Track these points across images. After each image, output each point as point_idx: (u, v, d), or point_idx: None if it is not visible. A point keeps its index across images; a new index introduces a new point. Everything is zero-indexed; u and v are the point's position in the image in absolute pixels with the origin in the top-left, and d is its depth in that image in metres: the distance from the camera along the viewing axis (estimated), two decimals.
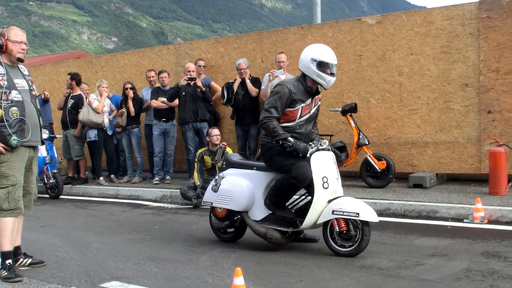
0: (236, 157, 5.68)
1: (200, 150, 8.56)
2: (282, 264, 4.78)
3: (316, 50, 5.03)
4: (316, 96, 5.22)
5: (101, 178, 10.29)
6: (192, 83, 9.19)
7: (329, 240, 4.99)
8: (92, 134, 10.19)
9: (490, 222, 6.17)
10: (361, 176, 8.27)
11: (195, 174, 8.31)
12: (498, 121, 7.87)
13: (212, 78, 10.29)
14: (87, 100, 10.25)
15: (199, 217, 7.24)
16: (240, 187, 5.33)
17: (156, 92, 9.98)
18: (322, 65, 4.96)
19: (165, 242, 5.80)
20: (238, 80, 9.22)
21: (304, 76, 5.11)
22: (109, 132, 10.40)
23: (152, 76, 10.43)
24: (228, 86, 9.22)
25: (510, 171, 7.45)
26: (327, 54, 5.01)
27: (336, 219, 4.90)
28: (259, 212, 5.28)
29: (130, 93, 10.10)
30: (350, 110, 8.27)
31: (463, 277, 4.25)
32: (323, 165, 4.99)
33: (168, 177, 9.99)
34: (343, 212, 4.84)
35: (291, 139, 4.96)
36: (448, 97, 8.24)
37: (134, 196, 9.31)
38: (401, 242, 5.38)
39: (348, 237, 4.90)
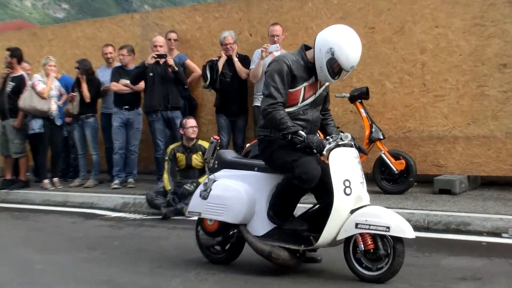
0: (231, 155, 5.55)
1: (171, 146, 8.52)
2: None
3: (341, 43, 4.83)
4: None
5: (46, 181, 10.20)
6: (161, 61, 9.12)
7: (352, 261, 4.84)
8: (36, 125, 10.09)
9: None
10: (374, 179, 8.23)
11: (165, 176, 8.27)
12: None
13: (188, 55, 10.23)
14: (30, 82, 10.13)
15: (169, 231, 7.18)
16: (237, 193, 5.19)
17: (118, 73, 9.90)
18: (334, 63, 4.86)
19: (126, 262, 5.73)
20: (224, 58, 9.17)
21: (305, 49, 5.07)
22: (58, 122, 10.30)
23: (110, 53, 10.34)
24: (212, 65, 9.13)
25: None
26: (349, 58, 4.85)
27: (361, 234, 4.74)
28: (261, 225, 5.14)
29: (82, 77, 9.98)
30: (360, 96, 8.23)
31: None
32: (344, 165, 4.84)
33: (131, 179, 9.93)
34: (370, 225, 4.67)
35: (302, 132, 4.84)
36: (482, 81, 8.24)
37: (88, 204, 9.24)
38: (424, 262, 5.36)
39: (376, 257, 4.74)
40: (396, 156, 8.02)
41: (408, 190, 8.12)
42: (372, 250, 4.72)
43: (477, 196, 7.80)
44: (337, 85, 9.01)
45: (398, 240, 4.66)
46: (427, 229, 6.68)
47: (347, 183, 4.78)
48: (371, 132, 8.05)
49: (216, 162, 5.50)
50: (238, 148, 9.03)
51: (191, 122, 8.35)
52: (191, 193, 7.91)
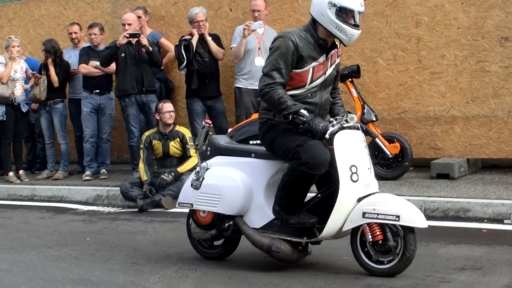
0: (224, 140, 5.50)
1: (146, 133, 8.53)
2: (260, 285, 4.78)
3: None
4: (333, 51, 5.06)
5: (11, 173, 10.16)
6: (134, 40, 9.09)
7: (360, 254, 4.80)
8: None
9: None
10: None
11: (141, 165, 8.29)
12: None
13: (162, 33, 10.18)
14: None
15: (146, 224, 7.20)
16: (233, 182, 5.15)
17: (86, 54, 9.86)
18: (343, 12, 4.77)
19: (99, 259, 5.75)
20: (196, 36, 9.12)
21: (314, 24, 4.94)
22: (23, 109, 10.25)
23: (75, 32, 10.26)
24: (188, 44, 9.06)
25: None
26: None
27: (369, 224, 4.71)
28: (260, 216, 5.11)
29: (49, 61, 9.92)
30: (351, 74, 8.28)
31: None
32: (351, 149, 4.81)
33: (103, 170, 9.93)
34: (378, 214, 4.64)
35: (304, 112, 4.77)
36: (482, 56, 8.29)
37: (57, 198, 9.24)
38: (420, 252, 5.30)
39: (385, 249, 4.70)
40: (390, 139, 8.06)
41: (404, 175, 8.19)
42: (380, 241, 4.69)
43: (477, 181, 7.89)
44: None
45: (409, 229, 4.62)
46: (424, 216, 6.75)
47: (353, 169, 4.75)
48: (363, 113, 8.09)
49: (209, 148, 5.44)
50: (223, 133, 8.99)
51: (167, 106, 8.35)
52: (168, 184, 8.02)
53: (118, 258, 5.77)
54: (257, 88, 8.65)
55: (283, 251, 4.92)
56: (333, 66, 5.10)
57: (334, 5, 4.74)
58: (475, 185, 7.59)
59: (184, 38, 9.19)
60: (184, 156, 8.36)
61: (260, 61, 8.85)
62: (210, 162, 5.36)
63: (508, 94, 8.17)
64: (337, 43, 5.04)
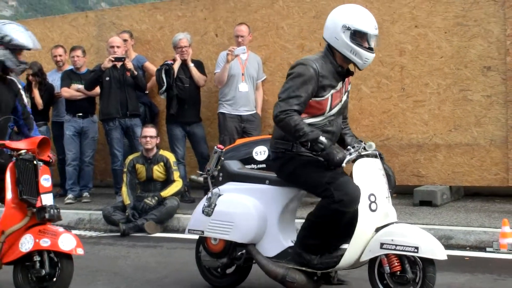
0: (236, 166, 5.39)
1: (130, 157, 8.52)
2: None
3: (349, 14, 4.78)
4: (346, 78, 5.00)
5: None
6: (119, 64, 9.09)
7: (378, 285, 4.70)
8: None
9: None
10: None
11: (124, 189, 8.27)
12: None
13: (148, 57, 10.21)
14: None
15: (128, 249, 7.17)
16: (246, 209, 5.04)
17: (68, 77, 9.84)
18: (358, 36, 4.71)
19: (80, 284, 5.67)
20: (179, 61, 9.13)
21: (331, 50, 4.85)
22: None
23: (60, 55, 10.23)
24: (169, 69, 9.08)
25: None
26: (366, 20, 4.75)
27: (387, 255, 4.61)
28: (273, 244, 5.02)
29: (34, 80, 9.90)
30: None
31: None
32: (369, 177, 4.73)
33: (86, 193, 9.88)
34: (396, 245, 4.52)
35: (323, 139, 4.62)
36: (465, 85, 8.36)
37: None
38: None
39: (403, 281, 4.59)
40: None
41: None
42: (398, 273, 4.59)
43: (460, 208, 7.94)
44: None
45: (428, 261, 4.53)
46: None
47: (372, 198, 4.65)
48: None
49: (221, 174, 5.32)
50: (204, 158, 8.98)
51: (146, 131, 8.33)
52: (152, 208, 7.99)
53: (99, 283, 5.75)
54: (240, 114, 8.87)
55: (298, 282, 4.82)
56: (347, 93, 5.06)
57: (349, 28, 4.68)
58: (457, 212, 7.63)
59: (166, 62, 9.22)
60: (167, 181, 8.33)
61: (244, 87, 8.89)
62: (223, 188, 5.24)
63: (490, 122, 8.24)
64: (351, 69, 4.99)
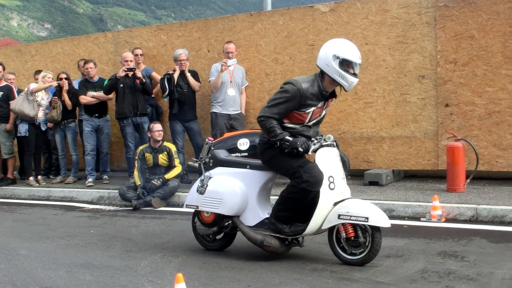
0: (223, 154, 5.38)
1: (140, 147, 8.48)
2: (229, 269, 4.77)
3: (339, 46, 4.73)
4: (330, 98, 4.94)
5: (31, 178, 10.02)
6: (130, 74, 9.06)
7: (336, 248, 4.80)
8: (23, 129, 9.93)
9: (448, 220, 6.33)
10: None
11: (136, 173, 8.23)
12: (455, 114, 8.07)
13: (154, 68, 10.17)
14: (26, 89, 9.95)
15: (139, 220, 7.15)
16: (232, 188, 5.08)
17: (84, 86, 9.78)
18: (345, 64, 4.68)
19: (101, 248, 5.70)
20: (178, 71, 9.09)
21: (322, 75, 4.80)
22: (43, 128, 10.14)
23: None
24: (170, 78, 9.06)
25: (469, 167, 7.65)
26: (352, 52, 4.72)
27: (343, 224, 4.70)
28: (253, 216, 5.06)
29: (65, 84, 9.85)
30: None
31: (418, 278, 4.34)
32: (328, 163, 4.77)
33: (105, 176, 9.85)
34: (350, 216, 4.63)
35: (288, 137, 4.70)
36: (404, 90, 8.39)
37: (68, 198, 9.12)
38: None
39: (356, 244, 4.71)
40: None
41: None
42: (352, 238, 4.69)
43: (401, 187, 7.96)
44: None
45: (376, 229, 4.64)
46: None
47: (331, 179, 4.72)
48: None
49: (211, 160, 5.35)
50: (199, 148, 8.96)
51: (157, 126, 8.33)
52: (157, 188, 7.95)
53: (116, 247, 5.72)
54: (229, 113, 8.86)
55: (273, 246, 4.87)
56: (327, 108, 5.00)
57: (338, 57, 4.65)
58: (398, 190, 7.66)
59: (168, 72, 9.19)
60: (170, 166, 8.31)
61: (231, 92, 8.88)
62: (213, 172, 5.28)
63: (424, 119, 8.28)
64: (336, 93, 4.93)
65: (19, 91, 10.25)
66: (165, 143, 8.41)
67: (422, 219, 6.42)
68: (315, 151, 4.76)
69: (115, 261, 5.14)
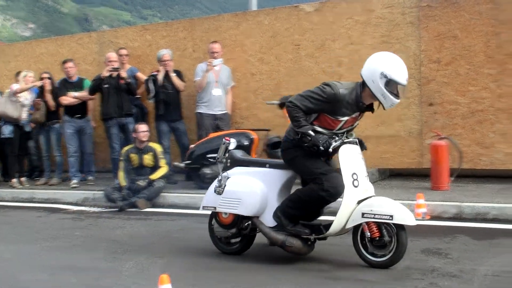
0: (240, 154, 5.25)
1: (125, 148, 8.48)
2: (216, 270, 4.79)
3: (389, 64, 4.53)
4: (367, 111, 4.79)
5: (14, 180, 9.94)
6: (114, 74, 9.03)
7: (360, 248, 4.65)
8: (7, 131, 9.83)
9: (432, 218, 6.38)
10: None
11: (121, 174, 8.22)
12: (439, 113, 8.14)
13: (139, 68, 10.14)
14: (8, 91, 9.88)
15: (124, 221, 7.13)
16: (251, 188, 4.92)
17: (64, 87, 9.72)
18: (391, 84, 4.49)
19: (85, 250, 5.69)
20: (163, 72, 9.09)
21: (362, 86, 4.62)
22: (27, 129, 10.08)
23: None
24: (154, 79, 9.07)
25: (453, 165, 7.72)
26: (401, 73, 4.52)
27: (367, 223, 4.57)
28: (271, 217, 4.89)
29: (47, 84, 9.77)
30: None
31: (402, 276, 4.38)
32: (352, 160, 4.66)
33: (90, 177, 9.81)
34: (374, 214, 4.49)
35: (311, 132, 4.52)
36: None
37: (52, 200, 9.06)
38: (340, 241, 5.40)
39: (381, 244, 4.56)
40: None
41: None
42: (377, 238, 4.55)
43: (386, 186, 8.03)
44: (268, 93, 9.14)
45: (401, 227, 4.50)
46: None
47: (355, 176, 4.60)
48: None
49: (229, 160, 5.19)
50: (185, 148, 8.96)
51: (142, 127, 8.33)
52: (143, 188, 7.95)
53: (100, 248, 5.70)
54: (214, 113, 8.87)
55: (295, 246, 4.74)
56: (361, 118, 4.87)
57: (386, 76, 4.47)
58: (384, 188, 7.71)
59: (152, 74, 9.19)
60: (155, 167, 8.29)
61: (217, 92, 8.90)
62: (230, 172, 5.13)
63: (408, 119, 8.35)
64: (374, 107, 4.78)
65: (0, 93, 10.18)
66: (151, 144, 8.41)
67: None
68: (335, 148, 4.62)
69: (100, 263, 5.13)
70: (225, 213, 5.08)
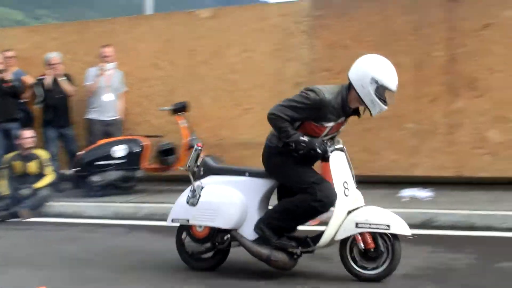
0: (213, 161, 4.91)
1: (9, 155, 8.07)
2: (100, 282, 4.63)
3: (380, 70, 4.31)
4: (352, 115, 4.57)
5: None
6: None
7: (349, 261, 4.44)
8: None
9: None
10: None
11: (2, 182, 7.81)
12: None
13: (27, 71, 9.69)
14: None
15: (4, 232, 6.77)
16: (229, 199, 4.60)
17: None
18: (381, 90, 4.29)
19: None
20: (51, 76, 8.76)
21: (348, 89, 4.41)
22: None
23: None
24: (41, 84, 8.73)
25: None
26: (392, 79, 4.33)
27: (361, 233, 4.35)
28: (253, 229, 4.59)
29: None
30: (180, 109, 8.26)
31: (287, 280, 4.45)
32: (342, 167, 4.46)
33: None
34: (370, 224, 4.28)
35: (304, 138, 4.28)
36: (281, 96, 8.10)
37: None
38: None
39: (375, 255, 4.37)
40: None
41: None
42: (372, 249, 4.35)
43: None
44: (161, 100, 8.99)
45: (396, 237, 4.34)
46: None
47: (345, 185, 4.42)
48: (191, 139, 8.09)
49: (202, 168, 4.83)
50: (74, 155, 8.66)
51: (27, 133, 7.98)
52: (26, 197, 7.60)
53: None
54: (105, 119, 8.65)
55: (281, 260, 4.47)
56: (345, 124, 4.64)
57: (377, 82, 4.25)
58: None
59: (39, 78, 8.85)
60: (41, 174, 7.93)
61: (108, 97, 8.70)
62: (204, 181, 4.76)
63: None
64: (360, 112, 4.57)
65: None
66: (36, 151, 8.05)
67: None
68: (331, 152, 4.42)
69: None
70: (200, 226, 4.73)
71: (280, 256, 4.46)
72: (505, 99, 7.76)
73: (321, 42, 8.39)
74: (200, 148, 4.91)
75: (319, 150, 4.28)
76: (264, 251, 4.48)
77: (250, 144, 8.68)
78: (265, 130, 8.36)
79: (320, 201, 4.30)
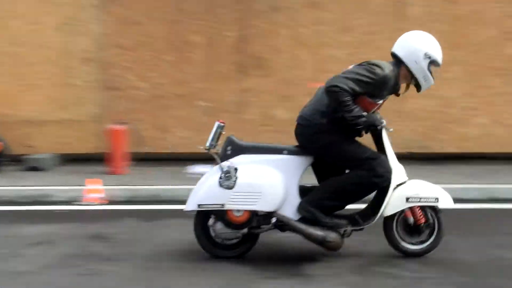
0: (238, 139, 4.45)
1: None
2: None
3: (431, 44, 4.35)
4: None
5: None
6: None
7: (397, 237, 4.41)
8: None
9: (110, 203, 6.44)
10: None
11: None
12: (122, 98, 8.30)
13: None
14: None
15: None
16: (271, 179, 4.27)
17: None
18: (433, 65, 4.35)
19: None
20: None
21: (398, 67, 4.35)
22: None
23: None
24: None
25: (135, 150, 7.89)
26: (440, 53, 4.37)
27: (411, 208, 4.35)
28: (294, 210, 4.32)
29: None
30: None
31: (58, 263, 4.35)
32: (390, 143, 4.42)
33: None
34: (420, 198, 4.30)
35: (365, 113, 4.19)
36: (70, 72, 8.32)
37: None
38: (3, 232, 5.20)
39: (428, 228, 4.40)
40: None
41: (3, 169, 7.85)
42: (423, 224, 4.38)
43: (62, 171, 7.88)
44: None
45: (439, 211, 4.41)
46: (16, 203, 6.47)
47: (395, 159, 4.39)
48: None
49: (229, 147, 4.38)
50: None
51: None
52: None
53: None
54: None
55: (335, 240, 4.26)
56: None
57: (430, 57, 4.29)
58: (60, 175, 7.59)
59: None
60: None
61: None
62: (235, 161, 4.32)
63: (89, 102, 8.34)
64: (402, 90, 4.49)
65: None
66: None
67: (75, 203, 6.40)
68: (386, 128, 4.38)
69: None
70: (238, 211, 4.31)
71: (334, 236, 4.29)
72: (289, 79, 8.29)
73: (113, 17, 8.26)
74: (223, 124, 4.44)
75: (379, 126, 4.30)
76: (319, 232, 4.28)
77: (35, 121, 8.36)
78: (52, 107, 8.16)
79: (382, 176, 4.27)
